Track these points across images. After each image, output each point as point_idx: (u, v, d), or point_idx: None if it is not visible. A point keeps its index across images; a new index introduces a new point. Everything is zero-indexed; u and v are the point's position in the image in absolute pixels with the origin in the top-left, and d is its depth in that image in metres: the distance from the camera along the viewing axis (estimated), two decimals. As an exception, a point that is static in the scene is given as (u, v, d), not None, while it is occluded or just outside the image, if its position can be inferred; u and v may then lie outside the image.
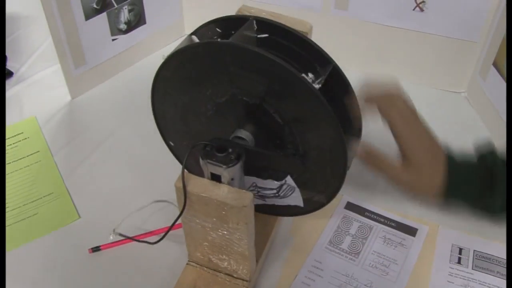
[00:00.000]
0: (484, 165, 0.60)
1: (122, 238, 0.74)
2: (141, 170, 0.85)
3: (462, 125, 0.94)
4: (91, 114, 0.96)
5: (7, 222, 0.78)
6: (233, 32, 0.61)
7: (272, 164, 0.65)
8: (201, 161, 0.57)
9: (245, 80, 0.58)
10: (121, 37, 1.00)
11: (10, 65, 1.05)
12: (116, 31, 0.99)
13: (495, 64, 0.88)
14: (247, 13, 0.68)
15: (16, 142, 0.90)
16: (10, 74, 1.03)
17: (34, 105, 0.98)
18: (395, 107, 0.60)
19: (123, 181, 0.84)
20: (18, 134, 0.92)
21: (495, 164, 0.59)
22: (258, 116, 0.61)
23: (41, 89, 1.02)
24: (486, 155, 0.61)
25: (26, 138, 0.91)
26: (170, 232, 0.74)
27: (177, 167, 0.71)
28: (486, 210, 0.61)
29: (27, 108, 0.97)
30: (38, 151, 0.89)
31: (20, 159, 0.87)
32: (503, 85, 0.85)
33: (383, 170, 0.61)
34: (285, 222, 0.77)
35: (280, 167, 0.65)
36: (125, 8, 0.98)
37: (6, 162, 0.87)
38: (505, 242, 0.74)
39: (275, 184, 0.67)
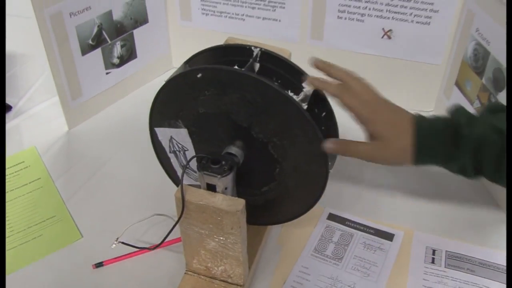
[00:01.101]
0: (450, 123, 0.65)
1: (123, 249, 0.79)
2: (139, 191, 0.90)
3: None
4: (88, 143, 1.01)
5: (13, 244, 0.82)
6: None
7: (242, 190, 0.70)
8: (198, 173, 0.63)
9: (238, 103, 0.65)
10: (114, 71, 1.06)
11: (8, 100, 1.10)
12: (109, 65, 1.05)
13: (457, 84, 0.97)
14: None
15: (18, 171, 0.95)
16: (9, 108, 1.08)
17: (33, 136, 1.02)
18: (350, 91, 0.67)
19: (122, 201, 0.89)
20: (19, 163, 0.96)
21: (460, 120, 0.64)
22: (248, 139, 0.67)
23: (38, 121, 1.06)
24: (453, 112, 0.67)
25: (27, 167, 0.96)
26: (169, 246, 0.80)
27: (172, 186, 0.78)
28: (460, 173, 0.66)
29: (26, 140, 1.02)
30: (39, 178, 0.93)
31: (23, 186, 0.92)
32: (465, 103, 0.94)
33: (356, 153, 0.68)
34: (274, 232, 0.83)
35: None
36: (118, 44, 1.04)
37: (9, 189, 0.91)
38: (475, 243, 0.81)
39: None
